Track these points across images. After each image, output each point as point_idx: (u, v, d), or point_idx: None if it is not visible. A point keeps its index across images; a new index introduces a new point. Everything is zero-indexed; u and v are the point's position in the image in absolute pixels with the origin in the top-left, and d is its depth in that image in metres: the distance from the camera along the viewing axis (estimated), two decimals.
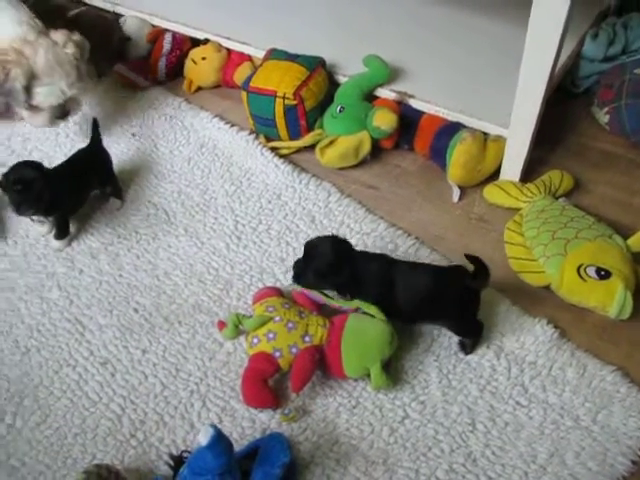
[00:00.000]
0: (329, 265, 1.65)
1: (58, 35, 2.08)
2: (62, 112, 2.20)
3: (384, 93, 2.31)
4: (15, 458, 1.59)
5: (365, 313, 1.69)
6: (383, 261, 1.71)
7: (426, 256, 1.96)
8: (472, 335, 1.74)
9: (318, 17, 2.63)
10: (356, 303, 1.70)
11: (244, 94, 2.28)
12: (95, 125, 2.13)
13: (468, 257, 1.64)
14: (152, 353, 1.77)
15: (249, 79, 2.29)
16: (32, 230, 2.08)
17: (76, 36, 2.12)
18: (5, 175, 1.86)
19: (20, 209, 1.86)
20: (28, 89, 2.03)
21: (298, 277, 1.71)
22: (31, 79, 2.02)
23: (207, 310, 1.85)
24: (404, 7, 2.65)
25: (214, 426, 1.33)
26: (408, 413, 1.64)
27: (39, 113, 2.15)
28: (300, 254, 1.73)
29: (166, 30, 2.66)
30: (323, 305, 1.76)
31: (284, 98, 2.21)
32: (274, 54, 2.36)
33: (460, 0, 2.60)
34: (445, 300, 1.67)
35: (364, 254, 1.74)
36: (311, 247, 1.69)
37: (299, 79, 2.23)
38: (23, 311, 1.88)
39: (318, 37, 2.51)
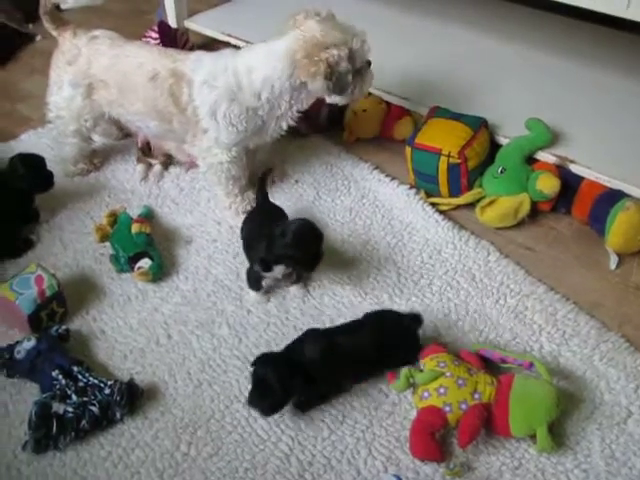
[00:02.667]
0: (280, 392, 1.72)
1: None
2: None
3: (544, 157, 2.35)
4: None
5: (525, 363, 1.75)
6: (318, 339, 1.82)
7: (585, 322, 1.97)
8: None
9: (479, 77, 2.70)
10: (529, 357, 1.77)
11: (408, 149, 2.35)
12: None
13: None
14: None
15: (414, 135, 2.36)
16: (201, 267, 2.19)
17: None
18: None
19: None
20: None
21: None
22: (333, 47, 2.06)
23: None
24: (568, 71, 2.70)
25: (397, 476, 1.38)
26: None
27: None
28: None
29: None
30: (495, 362, 1.82)
31: (449, 156, 2.27)
32: (438, 112, 2.42)
33: (629, 67, 2.62)
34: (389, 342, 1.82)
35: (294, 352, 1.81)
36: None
37: (464, 138, 2.30)
38: (195, 345, 1.97)
39: (480, 97, 2.57)
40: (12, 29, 3.53)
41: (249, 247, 2.11)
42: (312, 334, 1.82)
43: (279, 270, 1.98)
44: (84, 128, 2.47)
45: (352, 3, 3.08)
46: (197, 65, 2.22)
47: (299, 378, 1.71)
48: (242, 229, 2.19)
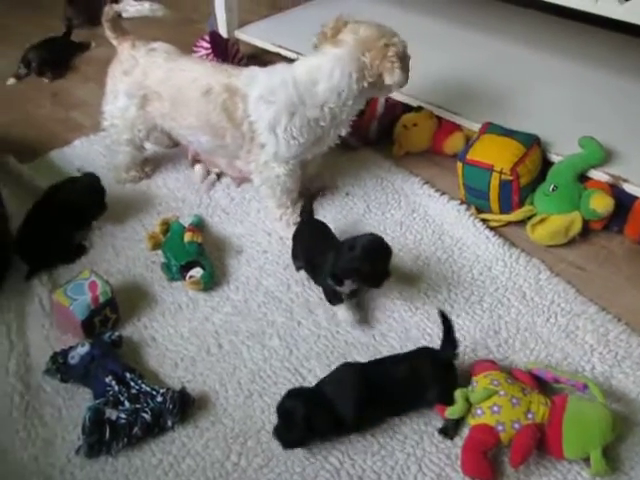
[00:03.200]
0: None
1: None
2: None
3: (597, 175, 2.33)
4: None
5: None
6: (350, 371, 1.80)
7: (638, 344, 1.96)
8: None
9: (531, 94, 2.70)
10: (583, 378, 1.76)
11: (460, 165, 2.35)
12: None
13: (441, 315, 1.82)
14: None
15: (466, 151, 2.35)
16: (252, 278, 2.20)
17: None
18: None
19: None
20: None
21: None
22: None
23: None
24: (621, 88, 2.68)
25: None
26: None
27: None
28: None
29: None
30: (548, 381, 1.81)
31: (501, 173, 2.26)
32: (490, 128, 2.42)
33: None
34: (423, 380, 1.77)
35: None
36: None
37: (516, 155, 2.29)
38: (245, 355, 1.98)
39: (532, 114, 2.56)
40: (69, 39, 3.60)
41: (313, 264, 2.09)
42: (345, 378, 1.79)
43: (348, 285, 1.97)
44: (137, 138, 2.50)
45: (388, 11, 3.09)
46: (251, 80, 2.24)
47: (326, 419, 1.71)
48: (295, 247, 2.19)
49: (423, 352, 1.85)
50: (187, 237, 2.22)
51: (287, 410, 1.72)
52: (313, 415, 1.69)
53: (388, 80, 2.13)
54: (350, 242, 1.95)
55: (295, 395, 1.75)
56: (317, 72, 2.16)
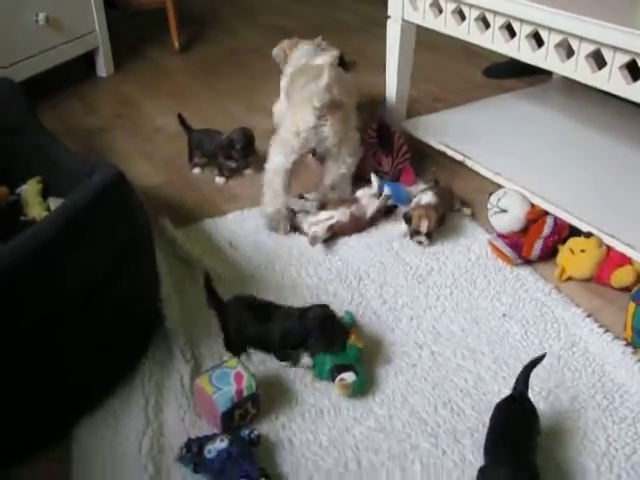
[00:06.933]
0: None
1: None
2: None
3: None
4: None
5: None
6: None
7: None
8: None
9: None
10: None
11: (632, 305, 2.21)
12: None
13: None
14: None
15: None
16: (398, 392, 2.11)
17: None
18: None
19: None
20: None
21: None
22: None
23: None
24: None
25: None
26: None
27: None
28: None
29: (548, 212, 2.67)
30: None
31: None
32: None
33: None
34: None
35: None
36: None
37: None
38: (384, 478, 1.87)
39: None
40: None
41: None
42: None
43: None
44: None
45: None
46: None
47: None
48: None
49: None
50: (350, 339, 2.13)
51: None
52: None
53: None
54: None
55: None
56: None
